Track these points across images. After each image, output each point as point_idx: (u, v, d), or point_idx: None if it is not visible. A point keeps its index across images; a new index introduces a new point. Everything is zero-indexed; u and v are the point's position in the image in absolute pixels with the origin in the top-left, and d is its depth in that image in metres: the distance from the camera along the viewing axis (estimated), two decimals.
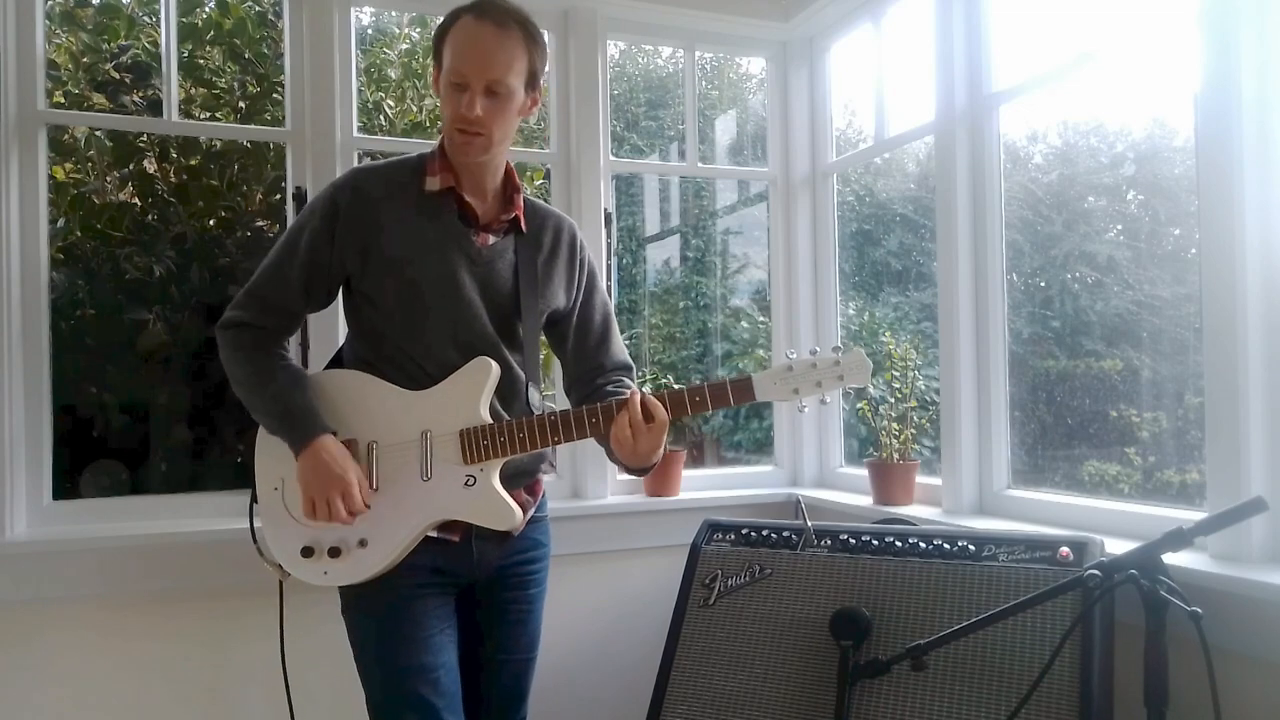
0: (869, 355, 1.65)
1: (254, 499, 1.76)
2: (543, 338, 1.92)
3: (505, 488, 1.67)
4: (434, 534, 1.68)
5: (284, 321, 1.74)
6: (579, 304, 1.87)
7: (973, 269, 2.35)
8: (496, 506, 1.65)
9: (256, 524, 1.76)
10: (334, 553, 1.66)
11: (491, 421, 1.66)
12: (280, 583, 1.81)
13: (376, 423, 1.69)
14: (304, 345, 2.37)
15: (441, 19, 1.69)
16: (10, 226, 2.19)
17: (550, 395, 2.61)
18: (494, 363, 1.68)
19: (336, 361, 1.84)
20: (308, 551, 1.67)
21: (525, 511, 1.78)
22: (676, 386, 1.67)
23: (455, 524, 1.69)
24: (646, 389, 1.75)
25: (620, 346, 1.93)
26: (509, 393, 1.74)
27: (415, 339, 1.70)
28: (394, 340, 1.71)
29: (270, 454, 1.73)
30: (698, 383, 1.67)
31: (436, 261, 1.68)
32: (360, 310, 1.75)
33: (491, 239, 1.75)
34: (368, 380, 1.71)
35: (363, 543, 1.66)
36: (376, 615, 1.68)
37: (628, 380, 1.89)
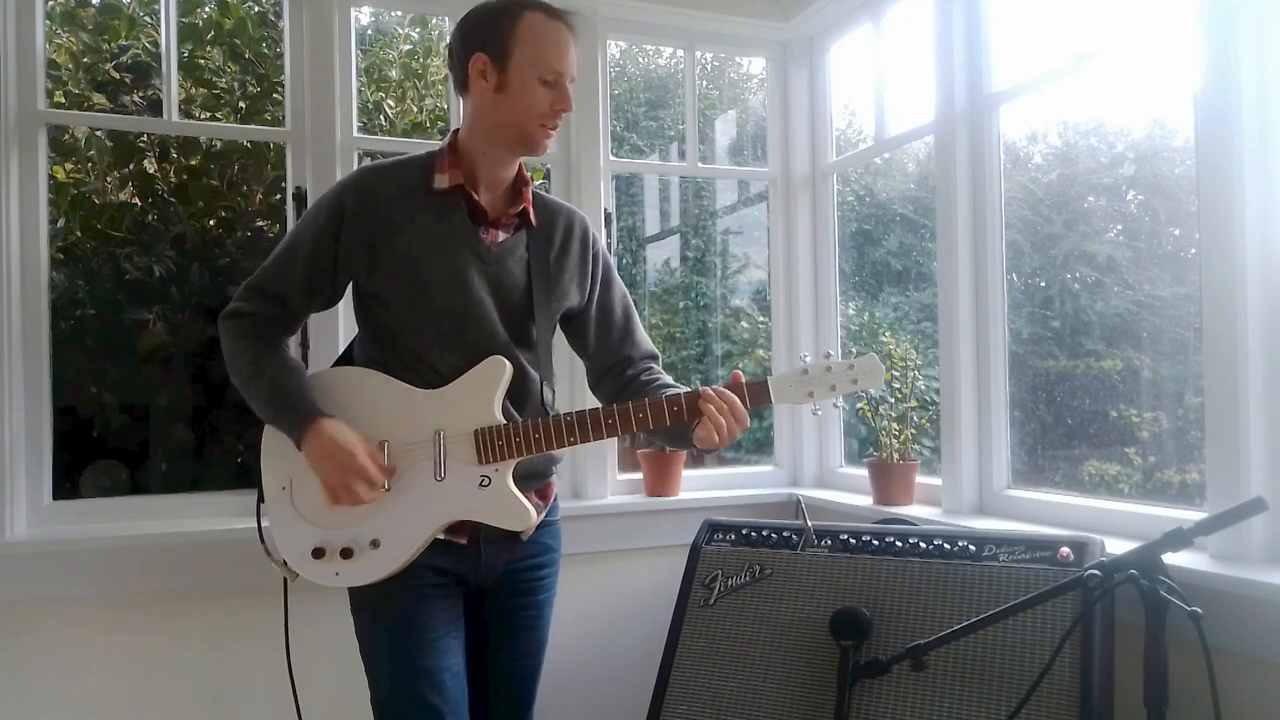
0: None
1: (260, 499, 1.74)
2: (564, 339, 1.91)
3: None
4: (442, 536, 1.67)
5: (284, 315, 1.72)
6: (597, 297, 1.85)
7: (973, 269, 2.35)
8: (512, 507, 1.64)
9: (264, 524, 1.74)
10: (346, 553, 1.64)
11: (505, 422, 1.65)
12: (285, 582, 1.78)
13: (388, 421, 1.67)
14: (304, 345, 2.37)
15: (482, 14, 1.66)
16: (10, 226, 2.20)
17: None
18: (507, 362, 1.66)
19: (346, 360, 1.81)
20: (319, 552, 1.65)
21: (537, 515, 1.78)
22: (688, 388, 1.66)
23: (464, 526, 1.68)
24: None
25: (645, 335, 1.91)
26: (521, 392, 1.72)
27: (425, 339, 1.68)
28: (404, 340, 1.69)
29: (276, 454, 1.71)
30: (715, 386, 1.65)
31: (445, 261, 1.67)
32: (370, 310, 1.73)
33: (501, 235, 1.74)
34: (379, 378, 1.70)
35: (375, 543, 1.64)
36: (384, 616, 1.67)
37: (657, 368, 1.87)
